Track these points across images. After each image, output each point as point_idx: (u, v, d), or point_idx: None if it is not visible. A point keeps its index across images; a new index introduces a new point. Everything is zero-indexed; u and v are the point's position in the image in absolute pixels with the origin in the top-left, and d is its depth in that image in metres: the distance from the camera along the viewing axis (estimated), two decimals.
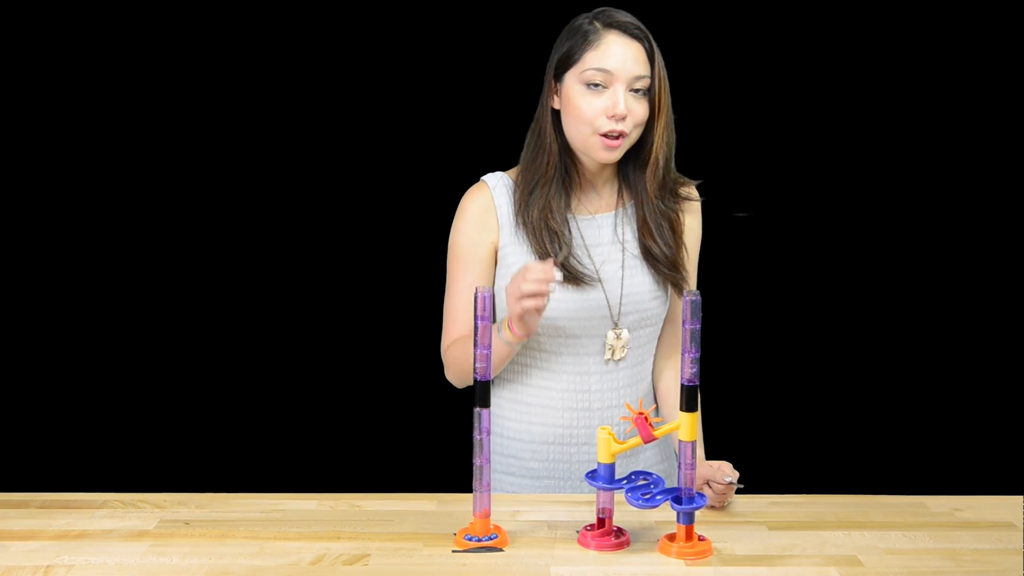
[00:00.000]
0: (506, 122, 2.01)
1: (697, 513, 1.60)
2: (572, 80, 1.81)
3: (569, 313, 1.85)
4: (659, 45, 1.82)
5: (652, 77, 1.80)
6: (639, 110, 1.80)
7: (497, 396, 1.95)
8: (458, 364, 1.88)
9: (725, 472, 1.72)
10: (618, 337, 1.87)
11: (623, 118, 1.78)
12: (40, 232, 2.76)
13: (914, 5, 2.68)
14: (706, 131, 2.64)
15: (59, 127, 2.72)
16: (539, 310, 1.69)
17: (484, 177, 1.93)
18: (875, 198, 2.78)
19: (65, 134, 2.72)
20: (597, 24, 1.81)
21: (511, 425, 1.94)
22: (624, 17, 1.81)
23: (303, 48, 2.73)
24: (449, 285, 1.92)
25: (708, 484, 1.73)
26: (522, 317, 1.71)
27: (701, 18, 2.69)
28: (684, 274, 1.89)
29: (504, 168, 1.93)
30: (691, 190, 1.93)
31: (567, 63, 1.82)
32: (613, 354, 1.88)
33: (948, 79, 2.72)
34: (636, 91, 1.79)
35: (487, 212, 1.89)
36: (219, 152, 2.76)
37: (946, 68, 2.71)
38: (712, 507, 1.73)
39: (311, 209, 2.79)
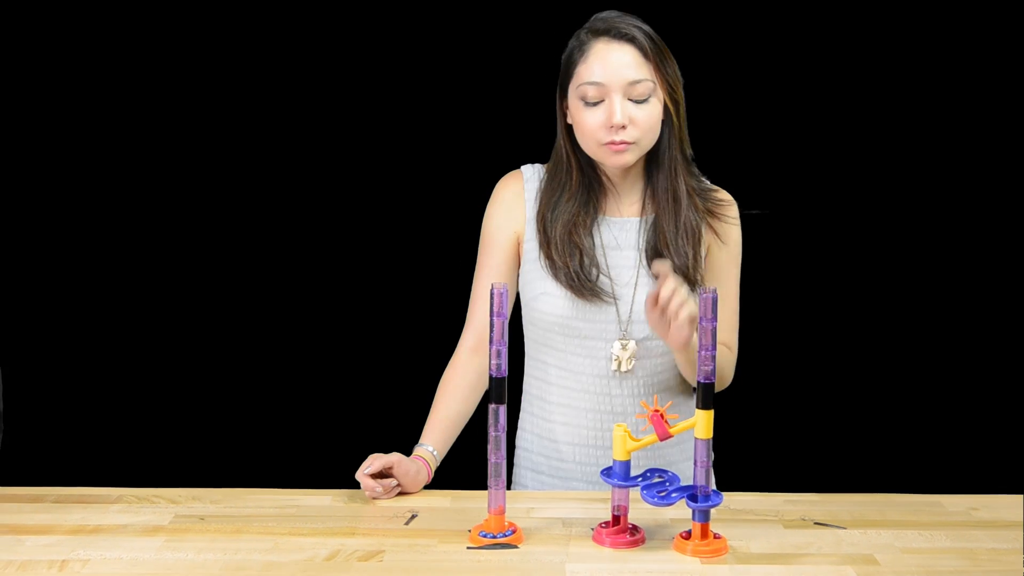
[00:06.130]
0: (533, 117, 2.00)
1: (713, 511, 1.59)
2: (572, 96, 1.80)
3: (580, 313, 1.84)
4: (669, 42, 1.79)
5: (653, 78, 1.76)
6: (642, 115, 1.76)
7: (524, 393, 1.97)
8: (439, 391, 1.91)
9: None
10: (624, 348, 1.84)
11: (622, 127, 1.75)
12: (52, 230, 2.76)
13: (925, 5, 2.67)
14: (719, 129, 2.63)
15: (59, 127, 2.72)
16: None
17: (523, 167, 1.93)
18: (889, 194, 2.77)
19: (65, 135, 2.72)
20: (588, 34, 1.79)
21: (537, 422, 1.94)
22: (615, 21, 1.77)
23: (329, 45, 2.73)
24: (477, 267, 1.93)
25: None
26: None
27: (714, 17, 2.69)
28: (697, 288, 1.82)
29: (543, 159, 1.93)
30: (723, 195, 1.90)
31: (566, 78, 1.82)
32: (620, 366, 1.85)
33: (961, 77, 2.71)
34: (637, 99, 1.76)
35: (516, 200, 1.90)
36: (227, 153, 2.76)
37: (960, 65, 2.70)
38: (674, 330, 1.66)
39: (324, 208, 2.79)
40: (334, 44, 2.72)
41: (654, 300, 1.65)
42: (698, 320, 1.52)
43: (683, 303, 1.63)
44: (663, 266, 1.69)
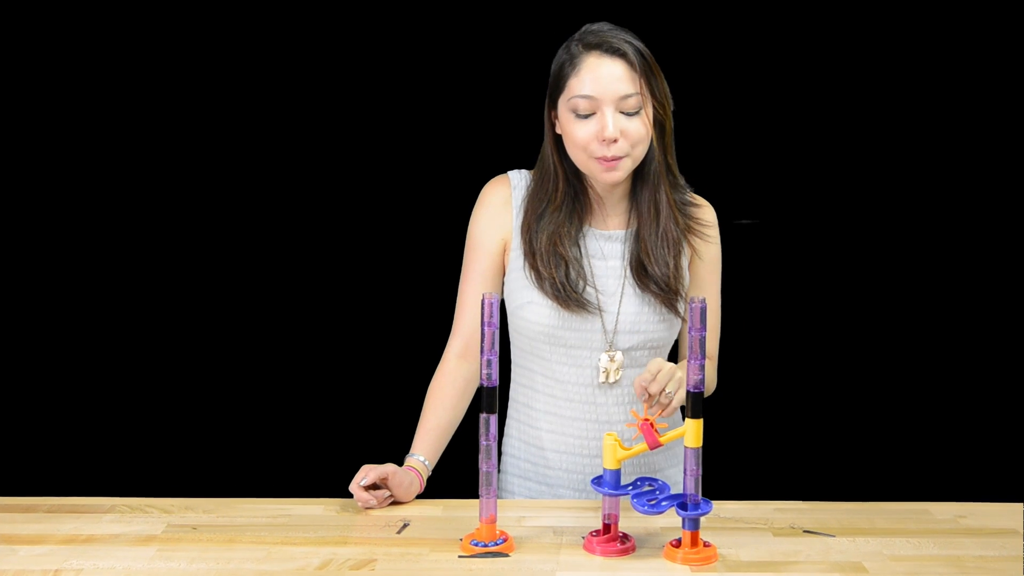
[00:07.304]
0: (519, 122, 2.00)
1: (702, 519, 1.60)
2: (563, 108, 1.79)
3: (565, 323, 1.85)
4: (658, 51, 1.80)
5: (641, 92, 1.76)
6: (633, 128, 1.76)
7: (510, 400, 1.98)
8: (428, 399, 1.92)
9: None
10: (612, 359, 1.85)
11: (614, 141, 1.75)
12: (45, 243, 2.76)
13: (915, 10, 2.69)
14: (707, 137, 2.65)
15: (59, 127, 2.72)
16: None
17: (509, 172, 1.93)
18: (878, 204, 2.78)
19: (65, 135, 2.72)
20: (579, 47, 1.78)
21: (524, 429, 1.95)
22: (607, 35, 1.77)
23: (320, 50, 2.73)
24: (463, 271, 1.92)
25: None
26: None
27: (703, 23, 2.70)
28: (680, 298, 1.86)
29: (529, 166, 1.93)
30: (703, 213, 1.91)
31: (557, 90, 1.81)
32: (607, 377, 1.86)
33: (951, 86, 2.72)
34: (628, 111, 1.76)
35: (504, 207, 1.90)
36: (217, 168, 2.76)
37: (949, 75, 2.72)
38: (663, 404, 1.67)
39: (313, 216, 2.79)
40: (325, 49, 2.73)
41: (643, 392, 1.66)
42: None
43: (674, 392, 1.66)
44: (640, 379, 1.67)
